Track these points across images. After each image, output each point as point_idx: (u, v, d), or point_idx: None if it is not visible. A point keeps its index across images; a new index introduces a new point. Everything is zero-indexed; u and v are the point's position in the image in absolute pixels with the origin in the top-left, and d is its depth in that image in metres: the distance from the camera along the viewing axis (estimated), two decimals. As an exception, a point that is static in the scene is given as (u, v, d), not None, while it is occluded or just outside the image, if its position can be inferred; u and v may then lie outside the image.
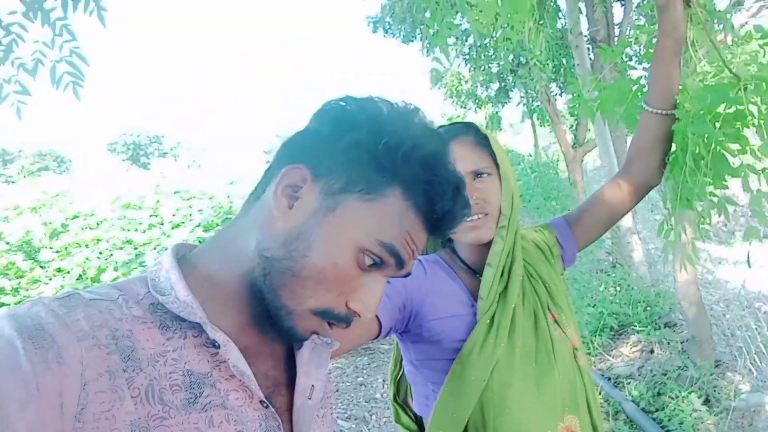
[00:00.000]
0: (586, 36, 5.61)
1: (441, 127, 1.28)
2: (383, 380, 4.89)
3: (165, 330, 0.64)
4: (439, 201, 0.69)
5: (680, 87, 1.30)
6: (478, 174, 1.26)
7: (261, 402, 0.67)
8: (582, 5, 5.66)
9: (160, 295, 0.66)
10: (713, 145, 1.19)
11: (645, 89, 1.46)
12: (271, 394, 0.71)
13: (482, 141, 1.29)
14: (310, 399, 0.74)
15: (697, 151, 1.21)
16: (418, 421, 1.45)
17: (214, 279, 0.69)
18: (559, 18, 7.36)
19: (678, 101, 1.28)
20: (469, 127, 1.31)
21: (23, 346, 0.52)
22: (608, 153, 5.49)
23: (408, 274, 0.72)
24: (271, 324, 0.68)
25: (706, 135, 1.20)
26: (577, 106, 1.59)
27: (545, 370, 1.24)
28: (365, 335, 1.16)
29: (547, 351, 1.26)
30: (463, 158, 1.24)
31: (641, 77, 1.50)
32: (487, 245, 1.27)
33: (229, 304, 0.69)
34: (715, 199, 1.27)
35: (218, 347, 0.64)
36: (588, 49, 5.68)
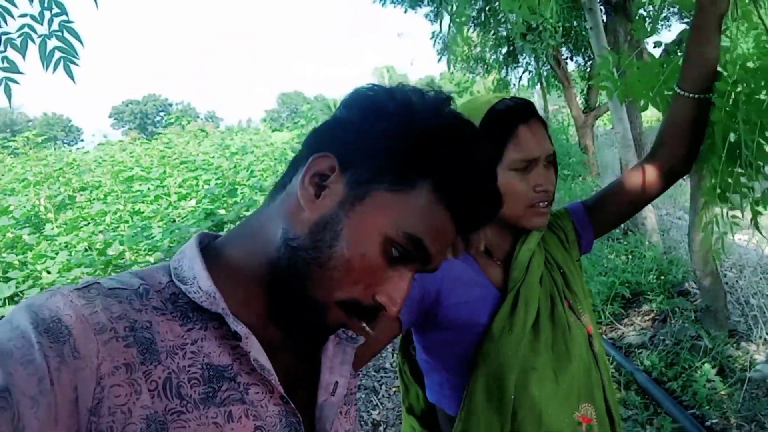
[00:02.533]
0: (599, -3, 5.41)
1: (502, 100, 1.19)
2: (392, 350, 4.89)
3: (185, 321, 0.63)
4: (470, 196, 0.67)
5: (718, 69, 1.18)
6: (550, 159, 1.20)
7: (281, 397, 0.66)
8: (595, -37, 5.44)
9: (182, 284, 0.65)
10: (757, 133, 1.08)
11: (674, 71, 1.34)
12: (292, 389, 0.69)
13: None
14: (333, 395, 0.73)
15: (738, 139, 1.11)
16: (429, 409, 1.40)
17: (238, 269, 0.68)
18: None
19: (715, 84, 1.16)
20: (534, 107, 1.23)
21: (38, 340, 0.52)
22: (621, 117, 5.35)
23: (436, 269, 0.70)
24: (297, 316, 0.66)
25: (745, 122, 1.09)
26: (607, 85, 1.47)
27: (562, 357, 1.21)
28: (388, 335, 1.13)
29: (564, 338, 1.22)
30: (544, 139, 1.18)
31: (677, 57, 1.38)
32: (511, 230, 1.24)
33: (253, 296, 0.67)
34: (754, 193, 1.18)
35: (239, 339, 0.63)
36: (601, 10, 5.49)
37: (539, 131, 1.18)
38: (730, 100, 1.13)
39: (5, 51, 1.74)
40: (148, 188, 8.34)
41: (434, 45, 11.63)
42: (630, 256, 5.45)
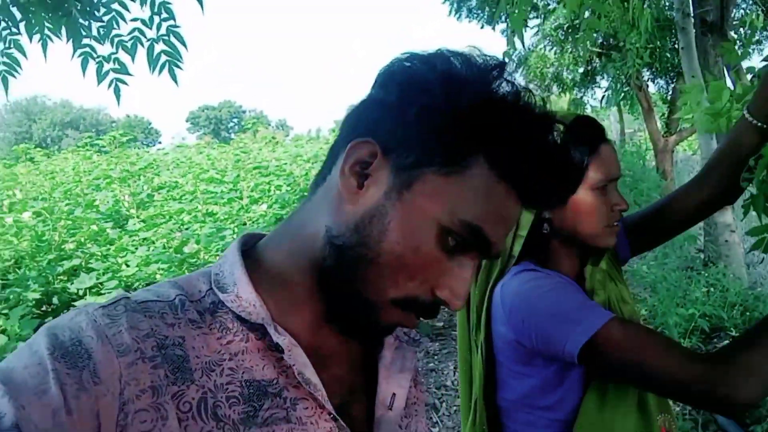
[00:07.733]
0: (693, 17, 5.15)
1: (578, 116, 1.17)
2: (454, 367, 4.82)
3: (224, 333, 0.58)
4: (533, 164, 0.58)
5: None
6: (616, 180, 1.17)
7: (329, 414, 0.60)
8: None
9: (221, 293, 0.60)
10: None
11: None
12: (346, 402, 0.64)
13: None
14: (390, 409, 0.65)
15: None
16: None
17: (282, 272, 0.62)
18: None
19: None
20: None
21: (54, 367, 0.49)
22: (708, 143, 5.10)
23: (498, 255, 0.62)
24: (349, 320, 0.61)
25: None
26: (693, 117, 1.40)
27: None
28: None
29: None
30: (618, 160, 1.17)
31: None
32: (578, 252, 1.21)
33: (299, 301, 0.62)
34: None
35: (283, 352, 0.57)
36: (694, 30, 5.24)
37: (614, 151, 1.16)
38: None
39: (117, 53, 1.84)
40: (222, 190, 8.60)
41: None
42: (711, 289, 5.17)
